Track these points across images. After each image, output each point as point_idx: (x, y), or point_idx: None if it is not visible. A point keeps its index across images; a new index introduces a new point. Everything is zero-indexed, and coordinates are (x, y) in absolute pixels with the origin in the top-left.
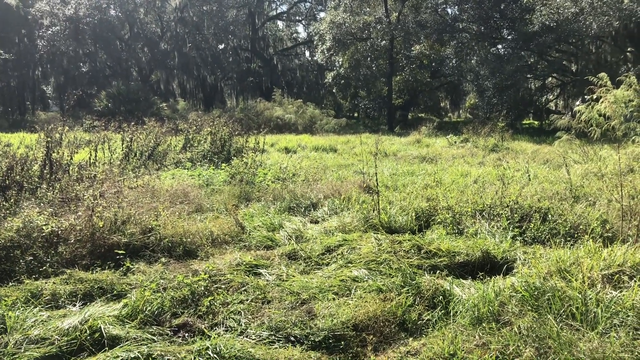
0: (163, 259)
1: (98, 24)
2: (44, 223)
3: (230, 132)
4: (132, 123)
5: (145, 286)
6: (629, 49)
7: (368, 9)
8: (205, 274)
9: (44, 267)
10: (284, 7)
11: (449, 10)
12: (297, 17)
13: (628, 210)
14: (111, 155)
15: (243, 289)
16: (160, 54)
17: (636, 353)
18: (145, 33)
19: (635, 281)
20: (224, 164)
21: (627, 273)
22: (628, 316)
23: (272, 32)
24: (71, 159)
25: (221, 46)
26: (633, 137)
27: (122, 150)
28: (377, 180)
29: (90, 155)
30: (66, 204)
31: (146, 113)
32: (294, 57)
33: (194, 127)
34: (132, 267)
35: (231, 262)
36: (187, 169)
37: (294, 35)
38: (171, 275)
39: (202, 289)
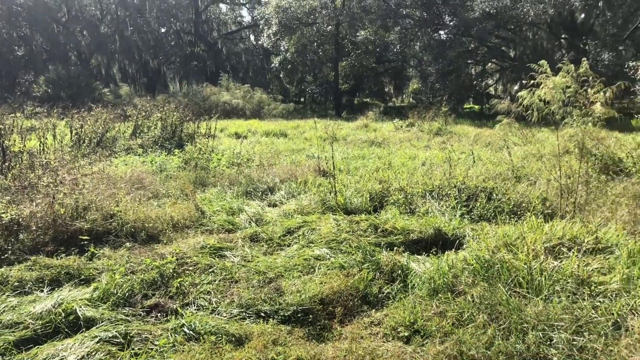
0: (127, 244)
1: (33, 6)
2: (3, 211)
3: (181, 118)
4: (83, 109)
5: (114, 270)
6: (562, 36)
7: None
8: (172, 256)
9: (6, 255)
10: None
11: None
12: (241, 1)
13: (565, 188)
14: (61, 142)
15: (210, 270)
16: (100, 38)
17: (575, 314)
18: (84, 16)
19: (573, 252)
20: (176, 150)
21: (566, 245)
22: (567, 283)
23: (215, 16)
24: (24, 146)
25: (163, 29)
26: (567, 120)
27: (72, 137)
28: (333, 164)
29: (40, 142)
30: (22, 191)
31: (88, 98)
32: (239, 41)
33: (143, 113)
34: (97, 252)
35: (195, 246)
36: (139, 155)
37: (238, 19)
38: (138, 259)
39: (171, 271)
